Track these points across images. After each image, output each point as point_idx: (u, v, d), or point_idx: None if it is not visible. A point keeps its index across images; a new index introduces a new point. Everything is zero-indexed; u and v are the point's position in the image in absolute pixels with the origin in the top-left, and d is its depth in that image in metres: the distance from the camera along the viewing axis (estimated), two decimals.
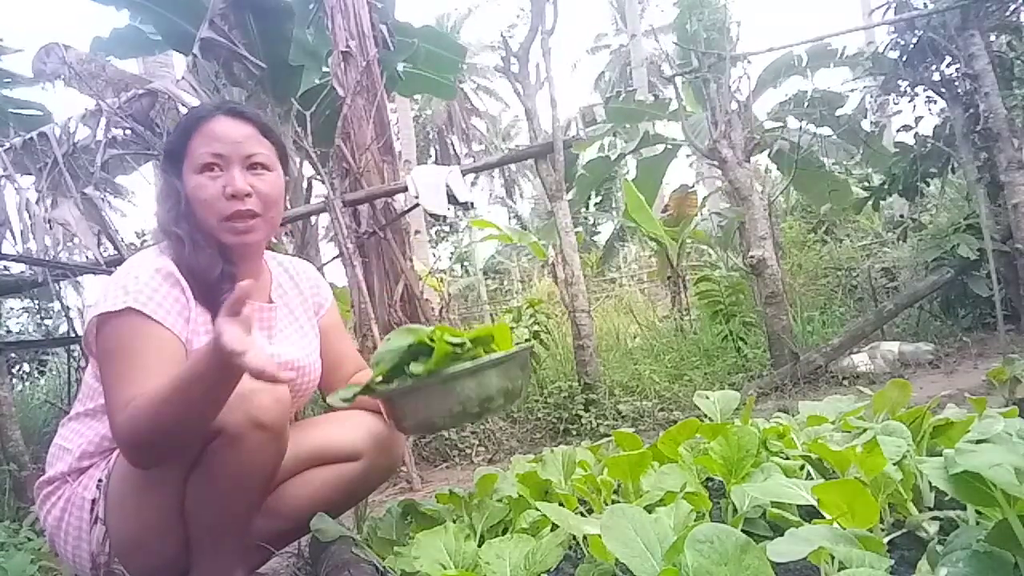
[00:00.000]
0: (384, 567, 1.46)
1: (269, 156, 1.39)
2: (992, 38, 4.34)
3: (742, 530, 0.98)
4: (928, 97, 4.65)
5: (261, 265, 1.51)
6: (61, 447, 1.34)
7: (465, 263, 21.48)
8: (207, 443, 1.20)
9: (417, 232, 11.15)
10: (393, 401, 1.38)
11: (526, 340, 4.21)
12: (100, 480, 1.27)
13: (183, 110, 3.42)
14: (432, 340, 1.30)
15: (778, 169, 7.40)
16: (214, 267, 1.33)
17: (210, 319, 1.32)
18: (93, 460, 1.29)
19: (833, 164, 7.38)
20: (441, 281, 5.60)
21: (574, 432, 3.50)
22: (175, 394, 1.10)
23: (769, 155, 6.93)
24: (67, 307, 3.98)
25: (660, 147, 7.93)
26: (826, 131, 6.74)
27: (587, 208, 13.06)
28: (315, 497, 1.44)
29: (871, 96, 5.46)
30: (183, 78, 3.68)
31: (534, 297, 4.66)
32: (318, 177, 3.79)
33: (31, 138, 3.41)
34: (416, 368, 1.30)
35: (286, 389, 1.25)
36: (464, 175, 3.72)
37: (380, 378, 1.37)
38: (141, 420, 1.13)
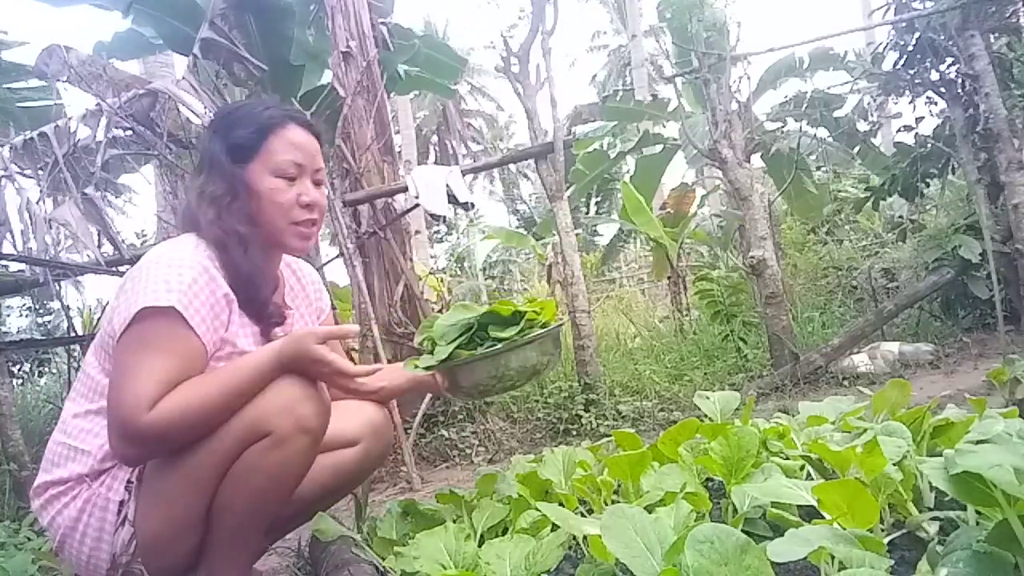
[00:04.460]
0: (384, 567, 1.46)
1: (324, 172, 1.46)
2: (992, 39, 4.33)
3: (742, 530, 0.99)
4: (928, 98, 4.65)
5: (279, 268, 1.53)
6: (72, 447, 1.29)
7: (464, 261, 21.50)
8: (249, 444, 1.21)
9: (417, 232, 11.15)
10: (461, 368, 1.53)
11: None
12: (130, 482, 1.25)
13: (183, 110, 3.42)
14: (502, 312, 1.56)
15: (769, 173, 7.40)
16: (265, 270, 1.38)
17: (250, 322, 1.35)
18: (115, 461, 1.27)
19: (834, 167, 7.39)
20: (441, 281, 5.60)
21: (574, 432, 3.50)
22: (233, 390, 1.20)
23: (763, 157, 6.93)
24: (67, 307, 3.98)
25: (659, 146, 7.92)
26: (823, 133, 6.75)
27: (587, 211, 13.07)
28: (317, 483, 1.44)
29: (871, 97, 5.46)
30: (184, 78, 3.68)
31: (534, 296, 4.66)
32: None
33: (31, 138, 3.41)
34: (500, 333, 1.51)
35: (329, 400, 1.29)
36: (464, 175, 3.72)
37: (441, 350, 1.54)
38: (185, 415, 1.16)
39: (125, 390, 1.16)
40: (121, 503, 1.25)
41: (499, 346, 1.51)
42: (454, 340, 1.53)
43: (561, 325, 1.64)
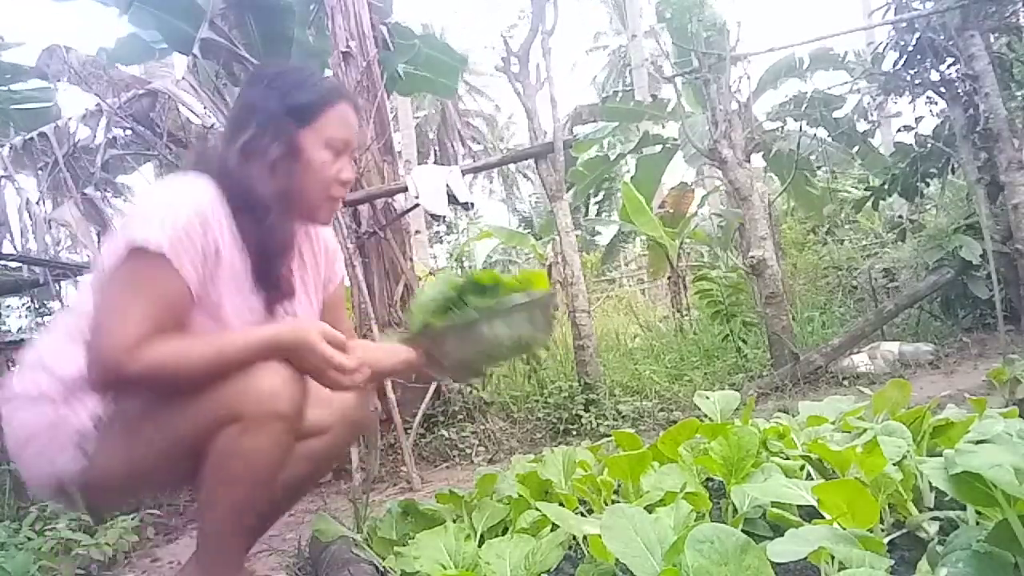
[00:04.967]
0: (384, 567, 1.46)
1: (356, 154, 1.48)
2: (992, 39, 4.33)
3: (742, 530, 0.99)
4: (928, 98, 4.65)
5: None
6: (44, 365, 1.29)
7: (464, 261, 21.51)
8: (221, 422, 1.21)
9: (417, 232, 11.14)
10: (442, 340, 1.45)
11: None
12: (98, 416, 1.25)
13: (183, 110, 3.42)
14: (482, 280, 1.48)
15: (771, 171, 7.41)
16: (294, 236, 1.39)
17: (244, 288, 1.33)
18: (84, 392, 1.26)
19: (834, 167, 7.40)
20: None
21: (574, 432, 3.50)
22: (224, 360, 1.20)
23: (765, 157, 6.94)
24: (67, 307, 3.98)
25: (659, 147, 7.94)
26: (823, 133, 6.76)
27: (586, 213, 13.07)
28: (289, 470, 1.40)
29: (871, 97, 5.46)
30: (183, 78, 3.68)
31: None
32: None
33: (31, 138, 3.42)
34: (478, 301, 1.43)
35: (305, 388, 1.27)
36: (464, 175, 3.72)
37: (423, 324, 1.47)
38: (174, 371, 1.17)
39: (112, 332, 1.17)
40: (83, 435, 1.25)
41: (476, 314, 1.42)
42: (432, 311, 1.46)
43: (551, 295, 1.54)
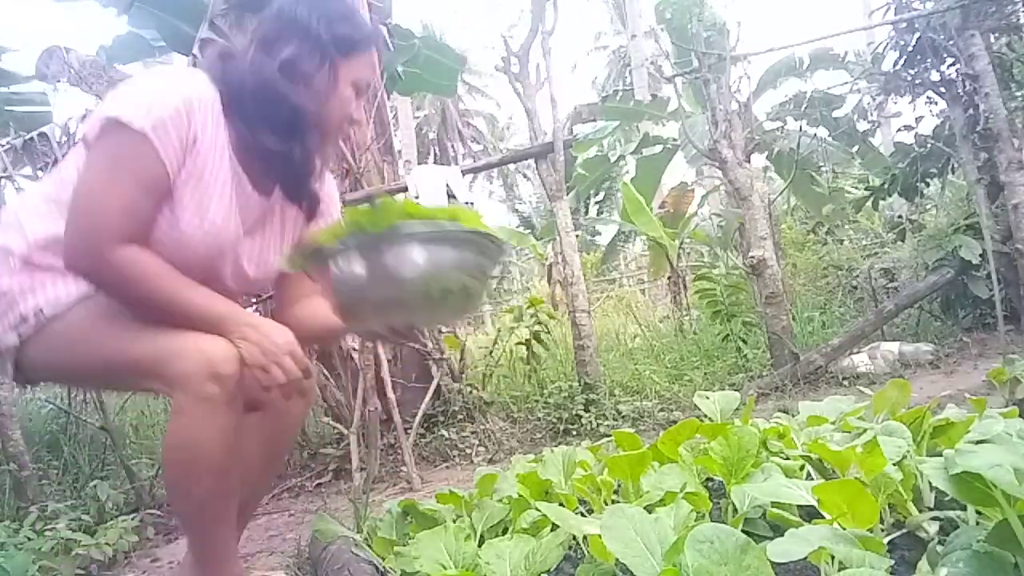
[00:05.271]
0: (384, 567, 1.46)
1: None
2: (992, 39, 4.34)
3: (742, 530, 0.99)
4: (928, 98, 4.65)
5: None
6: (19, 222, 1.29)
7: None
8: (152, 375, 1.21)
9: None
10: (334, 277, 1.15)
11: (525, 339, 4.22)
12: (40, 310, 1.25)
13: None
14: (390, 206, 1.16)
15: (775, 171, 7.43)
16: (325, 158, 1.47)
17: (246, 179, 1.34)
18: (43, 258, 1.26)
19: (834, 166, 7.41)
20: None
21: (574, 432, 3.50)
22: (191, 310, 1.22)
23: (768, 157, 6.95)
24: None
25: (659, 147, 7.95)
26: (823, 132, 6.77)
27: (586, 213, 13.09)
28: (246, 450, 1.39)
29: (871, 97, 5.46)
30: None
31: (535, 296, 4.65)
32: None
33: (31, 138, 3.42)
34: (380, 228, 1.11)
35: (237, 373, 1.22)
36: (464, 175, 3.72)
37: (314, 248, 1.22)
38: (148, 286, 1.20)
39: (97, 213, 1.18)
40: (23, 319, 1.26)
41: (366, 236, 1.11)
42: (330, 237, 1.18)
43: (482, 235, 1.17)
